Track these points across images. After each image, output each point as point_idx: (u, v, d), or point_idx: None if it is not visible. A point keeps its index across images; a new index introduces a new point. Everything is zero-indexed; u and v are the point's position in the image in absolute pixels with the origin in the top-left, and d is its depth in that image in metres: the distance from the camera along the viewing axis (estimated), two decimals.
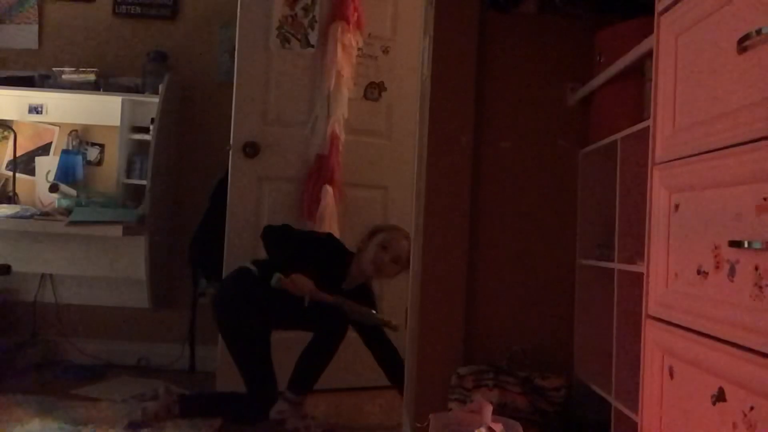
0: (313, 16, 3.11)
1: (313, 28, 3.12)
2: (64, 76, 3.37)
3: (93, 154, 3.52)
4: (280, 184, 2.88)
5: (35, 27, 3.54)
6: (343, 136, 3.11)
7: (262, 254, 3.04)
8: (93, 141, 3.53)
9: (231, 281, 2.74)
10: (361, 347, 3.20)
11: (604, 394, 1.96)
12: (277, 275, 2.49)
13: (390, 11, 3.29)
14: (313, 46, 3.11)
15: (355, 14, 3.12)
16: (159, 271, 3.31)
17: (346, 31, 3.09)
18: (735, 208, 0.97)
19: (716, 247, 1.01)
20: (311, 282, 2.52)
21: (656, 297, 1.24)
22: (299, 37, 3.11)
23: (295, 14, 3.10)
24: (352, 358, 3.19)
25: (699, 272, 1.07)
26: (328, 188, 3.03)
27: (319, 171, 3.06)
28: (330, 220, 3.02)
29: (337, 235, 3.04)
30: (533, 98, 2.34)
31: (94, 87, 3.37)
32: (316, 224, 3.03)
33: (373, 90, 3.27)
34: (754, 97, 0.93)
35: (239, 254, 2.98)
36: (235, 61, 3.01)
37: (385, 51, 3.28)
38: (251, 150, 2.98)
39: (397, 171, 3.28)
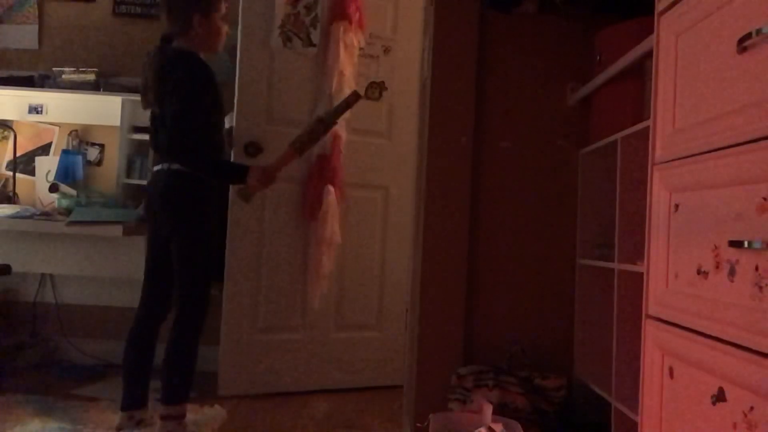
0: (315, 15, 3.11)
1: (315, 27, 3.11)
2: (64, 76, 3.38)
3: (93, 154, 3.53)
4: (282, 184, 2.87)
5: (35, 27, 3.55)
6: (344, 136, 3.11)
7: (264, 254, 3.05)
8: (93, 141, 3.53)
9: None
10: (361, 347, 3.21)
11: (604, 394, 1.96)
12: (242, 189, 2.35)
13: (391, 11, 3.29)
14: (315, 46, 3.11)
15: (357, 14, 3.12)
16: None
17: (347, 30, 3.08)
18: (735, 208, 0.97)
19: (716, 247, 1.01)
20: (268, 168, 2.39)
21: (656, 297, 1.24)
22: (301, 36, 3.10)
23: (297, 13, 3.09)
24: (352, 358, 3.19)
25: (699, 272, 1.07)
26: (330, 188, 3.02)
27: (321, 171, 3.06)
28: (332, 220, 3.01)
29: (338, 237, 3.03)
30: (533, 98, 2.34)
31: (94, 87, 3.37)
32: (318, 224, 3.03)
33: (374, 90, 3.27)
34: (754, 97, 0.93)
35: (241, 254, 2.99)
36: (236, 61, 3.01)
37: (386, 51, 3.28)
38: (253, 150, 2.98)
39: (397, 171, 3.28)
